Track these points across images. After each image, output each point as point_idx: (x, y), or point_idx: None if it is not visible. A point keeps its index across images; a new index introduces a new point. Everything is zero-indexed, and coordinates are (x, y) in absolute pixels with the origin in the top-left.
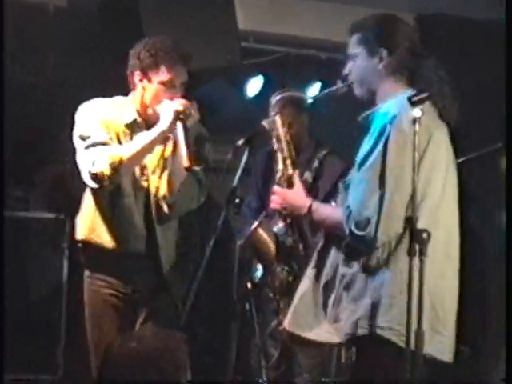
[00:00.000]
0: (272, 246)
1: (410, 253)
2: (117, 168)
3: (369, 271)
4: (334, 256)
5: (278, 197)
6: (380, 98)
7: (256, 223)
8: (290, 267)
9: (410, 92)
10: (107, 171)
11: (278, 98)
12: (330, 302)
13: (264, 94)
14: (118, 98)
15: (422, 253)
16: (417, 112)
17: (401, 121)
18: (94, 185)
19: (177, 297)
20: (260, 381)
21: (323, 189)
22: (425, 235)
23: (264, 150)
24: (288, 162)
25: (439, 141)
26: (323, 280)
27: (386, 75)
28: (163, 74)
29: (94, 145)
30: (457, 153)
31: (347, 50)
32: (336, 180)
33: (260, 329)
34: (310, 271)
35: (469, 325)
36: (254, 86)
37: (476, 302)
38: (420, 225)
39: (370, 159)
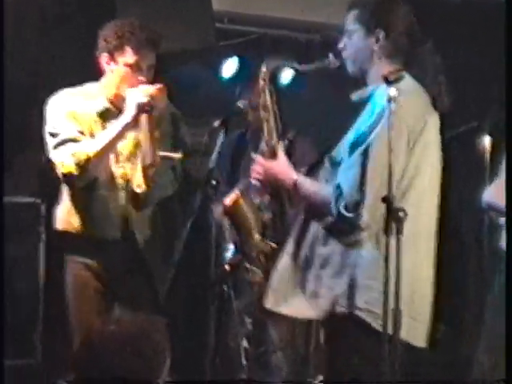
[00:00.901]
0: (252, 217)
1: (387, 232)
2: (84, 166)
3: (347, 250)
4: (314, 232)
5: (261, 167)
6: (373, 79)
7: (236, 192)
8: (269, 239)
9: (387, 72)
10: (75, 171)
11: (268, 66)
12: (310, 278)
13: (239, 75)
14: (89, 85)
15: (399, 231)
16: (392, 91)
17: (399, 105)
18: (67, 184)
19: (158, 281)
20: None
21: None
22: (401, 214)
23: (234, 134)
24: (273, 132)
25: (432, 129)
26: (302, 256)
27: (381, 57)
28: (129, 56)
29: (62, 142)
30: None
31: (344, 24)
32: (307, 162)
33: (238, 310)
34: (289, 247)
35: (446, 305)
36: (229, 67)
37: (453, 284)
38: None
39: (367, 143)
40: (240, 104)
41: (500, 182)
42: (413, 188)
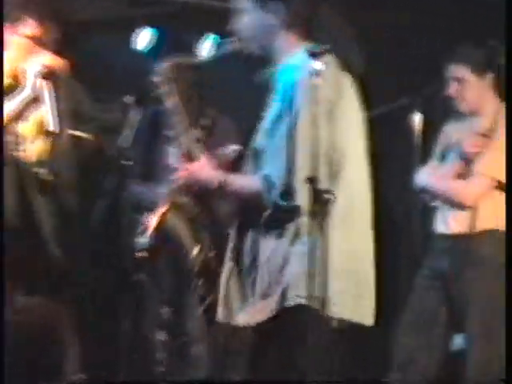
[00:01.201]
0: (185, 231)
1: (313, 215)
2: None
3: (289, 240)
4: (253, 232)
5: (184, 172)
6: (278, 54)
7: (161, 211)
8: (208, 247)
9: (310, 46)
10: None
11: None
12: (257, 279)
13: (156, 47)
14: None
15: (326, 214)
16: (318, 65)
17: (309, 77)
18: None
19: (65, 270)
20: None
21: (214, 150)
22: (327, 196)
23: (149, 110)
24: (190, 132)
25: (350, 95)
26: (246, 259)
27: (282, 30)
28: (31, 28)
29: None
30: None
31: (234, 2)
32: (229, 141)
33: (156, 301)
34: (230, 253)
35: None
36: (143, 38)
37: (384, 267)
38: (341, 185)
39: (285, 124)
40: (155, 78)
41: (433, 164)
42: (343, 166)
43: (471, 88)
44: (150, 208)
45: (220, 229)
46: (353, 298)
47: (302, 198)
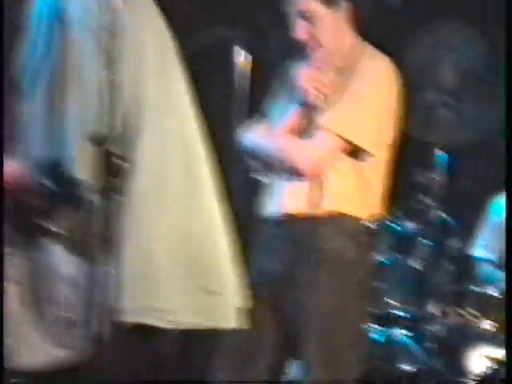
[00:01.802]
0: None
1: (105, 191)
2: None
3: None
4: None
5: None
6: None
7: None
8: None
9: None
10: None
11: None
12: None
13: None
14: None
15: (117, 189)
16: None
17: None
18: None
19: None
20: None
21: None
22: (118, 161)
23: None
24: None
25: (157, 24)
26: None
27: None
28: None
29: None
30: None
31: None
32: None
33: None
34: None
35: None
36: None
37: None
38: (146, 146)
39: (46, 71)
40: None
41: (269, 121)
42: (146, 123)
43: (325, 26)
44: None
45: None
46: (201, 297)
47: (85, 170)
